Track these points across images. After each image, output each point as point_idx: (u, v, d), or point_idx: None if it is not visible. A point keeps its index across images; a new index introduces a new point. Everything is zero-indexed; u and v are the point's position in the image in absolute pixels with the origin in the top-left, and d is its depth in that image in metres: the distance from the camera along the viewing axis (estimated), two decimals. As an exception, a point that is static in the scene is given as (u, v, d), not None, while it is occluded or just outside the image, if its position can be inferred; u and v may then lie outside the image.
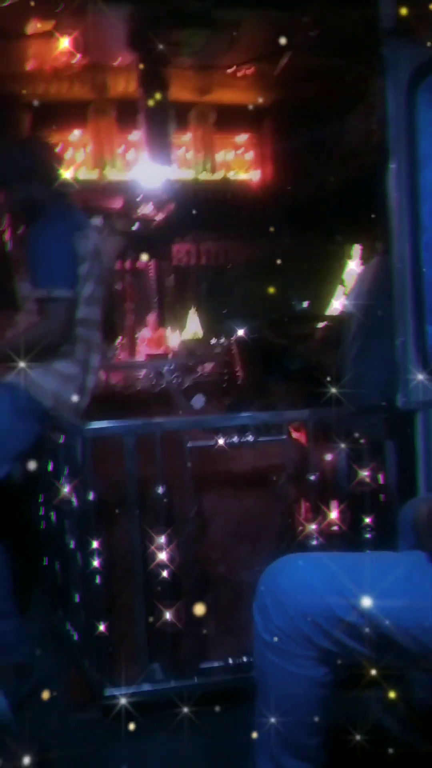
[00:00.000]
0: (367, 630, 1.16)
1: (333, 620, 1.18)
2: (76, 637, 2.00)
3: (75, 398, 2.16)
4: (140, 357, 5.79)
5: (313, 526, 1.87)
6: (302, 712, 1.22)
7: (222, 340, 5.07)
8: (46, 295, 2.04)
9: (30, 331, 2.08)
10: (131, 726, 1.77)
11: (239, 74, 3.88)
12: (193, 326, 6.20)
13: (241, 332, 4.00)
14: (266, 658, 1.24)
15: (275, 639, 1.21)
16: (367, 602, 1.16)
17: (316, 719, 1.23)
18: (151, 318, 6.24)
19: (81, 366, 2.18)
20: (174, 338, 6.04)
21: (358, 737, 1.34)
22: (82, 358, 2.17)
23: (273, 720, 1.26)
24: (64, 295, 2.03)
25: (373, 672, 1.28)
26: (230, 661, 1.86)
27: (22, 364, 1.98)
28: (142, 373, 4.50)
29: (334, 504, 2.06)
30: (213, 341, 5.56)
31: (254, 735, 1.31)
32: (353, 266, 4.47)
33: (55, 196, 2.20)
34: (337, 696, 1.26)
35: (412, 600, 1.15)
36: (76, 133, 4.64)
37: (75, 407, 2.17)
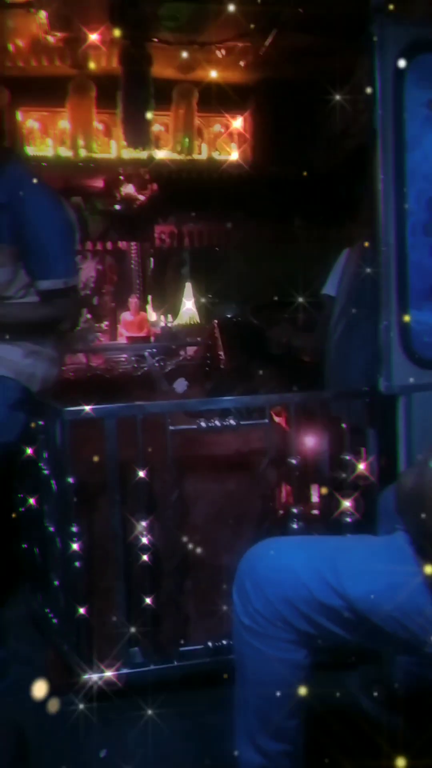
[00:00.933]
0: (346, 613, 1.16)
1: (312, 604, 1.18)
2: (55, 621, 1.99)
3: (55, 375, 2.15)
4: (122, 340, 5.75)
5: (295, 510, 1.86)
6: (281, 694, 1.22)
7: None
8: (62, 287, 1.94)
9: (40, 313, 1.98)
10: (111, 710, 1.77)
11: (224, 51, 3.81)
12: (186, 309, 6.15)
13: (224, 316, 3.97)
14: (245, 641, 1.23)
15: (254, 622, 1.21)
16: (346, 585, 1.16)
17: (295, 701, 1.23)
18: (133, 301, 6.19)
19: (61, 345, 2.16)
20: (158, 321, 6.00)
21: (337, 719, 1.34)
22: (67, 332, 2.16)
23: (252, 702, 1.26)
24: (77, 283, 2.00)
25: (352, 655, 1.29)
26: (210, 644, 1.86)
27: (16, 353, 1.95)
28: (124, 356, 4.47)
29: (315, 488, 2.07)
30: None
31: (234, 717, 1.31)
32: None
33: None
34: (317, 677, 1.27)
35: (392, 583, 1.15)
36: (56, 110, 4.54)
37: (53, 382, 2.15)
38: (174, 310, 6.16)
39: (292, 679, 1.22)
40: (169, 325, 5.63)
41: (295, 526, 1.83)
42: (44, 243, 1.93)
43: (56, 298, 1.97)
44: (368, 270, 1.85)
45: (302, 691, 1.22)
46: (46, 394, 2.11)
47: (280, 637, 1.20)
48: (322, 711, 1.36)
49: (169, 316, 6.10)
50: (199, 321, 5.57)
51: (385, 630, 1.15)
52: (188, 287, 6.18)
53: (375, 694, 1.67)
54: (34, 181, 1.93)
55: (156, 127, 4.48)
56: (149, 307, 6.24)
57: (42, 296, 1.98)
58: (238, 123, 4.76)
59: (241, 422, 1.86)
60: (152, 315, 6.17)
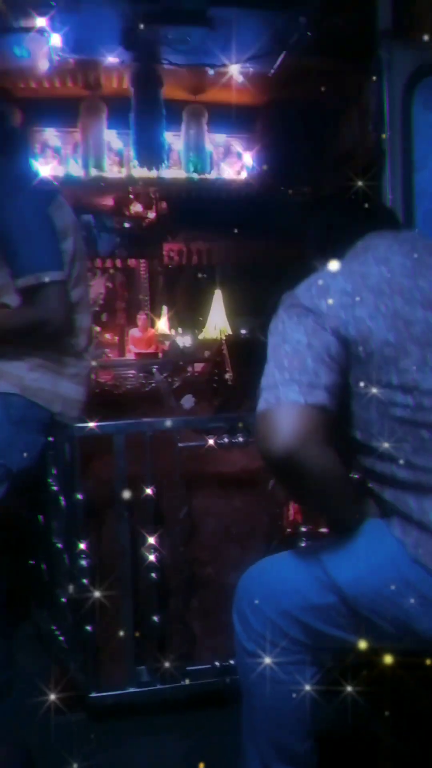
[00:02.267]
0: (341, 608, 1.16)
1: (308, 608, 1.17)
2: (61, 639, 1.98)
3: (81, 394, 1.97)
4: (130, 356, 5.77)
5: (303, 528, 1.86)
6: (292, 719, 1.21)
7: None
8: (35, 282, 1.76)
9: (20, 318, 1.83)
10: (117, 729, 1.76)
11: (234, 74, 3.86)
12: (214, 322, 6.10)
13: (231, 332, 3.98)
14: (250, 668, 1.22)
15: (258, 646, 1.20)
16: (333, 574, 1.16)
17: (306, 723, 1.22)
18: (141, 317, 6.23)
19: (85, 359, 1.99)
20: (173, 335, 6.01)
21: (349, 739, 1.33)
22: (84, 349, 1.98)
23: (263, 729, 1.25)
24: (56, 278, 1.78)
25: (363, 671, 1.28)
26: (217, 663, 1.85)
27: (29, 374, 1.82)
28: (132, 372, 4.48)
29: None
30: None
31: (243, 743, 1.29)
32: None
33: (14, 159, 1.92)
34: (327, 698, 1.25)
35: (374, 560, 1.14)
36: (69, 130, 4.61)
37: (80, 403, 1.98)
38: (194, 324, 6.13)
39: (301, 702, 1.20)
40: (183, 343, 5.60)
41: (303, 545, 1.82)
42: (15, 239, 1.76)
43: (35, 297, 1.78)
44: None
45: (313, 712, 1.21)
46: (74, 409, 1.94)
47: (287, 660, 1.19)
48: (334, 732, 1.35)
49: (181, 329, 6.11)
50: (230, 333, 5.50)
51: (376, 615, 1.14)
52: (218, 298, 6.11)
53: (385, 713, 1.64)
54: (8, 177, 1.83)
55: (166, 146, 4.53)
56: (164, 321, 6.26)
57: (22, 297, 1.81)
58: (247, 143, 4.81)
59: (250, 439, 1.86)
60: (166, 329, 6.19)
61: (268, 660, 1.19)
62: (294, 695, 1.19)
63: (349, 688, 1.30)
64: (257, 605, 1.21)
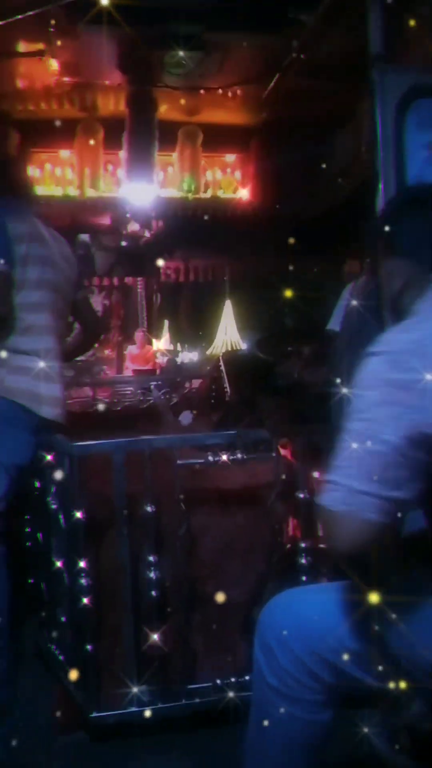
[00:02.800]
0: (377, 656, 1.14)
1: (340, 650, 1.15)
2: (62, 658, 1.97)
3: (56, 390, 2.06)
4: (127, 373, 5.79)
5: (303, 545, 1.86)
6: (304, 756, 1.19)
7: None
8: None
9: None
10: (118, 749, 1.75)
11: (228, 95, 3.93)
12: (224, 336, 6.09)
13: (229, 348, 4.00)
14: (270, 703, 1.19)
15: (282, 683, 1.17)
16: (370, 625, 1.13)
17: (316, 762, 1.21)
18: (139, 334, 6.26)
19: (45, 356, 2.05)
20: (176, 351, 6.03)
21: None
22: (43, 347, 2.05)
23: (273, 764, 1.23)
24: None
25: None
26: (218, 681, 1.84)
27: None
28: (130, 389, 4.49)
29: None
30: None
31: None
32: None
33: None
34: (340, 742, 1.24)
35: (413, 618, 1.13)
36: (64, 152, 4.67)
37: (60, 400, 2.08)
38: (198, 339, 6.12)
39: (317, 740, 1.19)
40: (190, 359, 5.58)
41: (303, 561, 1.83)
42: None
43: None
44: (372, 305, 1.88)
45: (324, 751, 1.20)
46: (55, 405, 2.05)
47: (310, 699, 1.17)
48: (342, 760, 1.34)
49: (186, 345, 6.11)
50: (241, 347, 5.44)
51: (410, 666, 1.12)
52: (228, 310, 6.07)
53: (392, 739, 1.63)
54: None
55: (162, 167, 4.60)
56: (165, 338, 6.28)
57: None
58: (241, 162, 4.87)
59: (248, 456, 1.87)
60: (167, 345, 6.20)
61: (289, 696, 1.17)
62: (310, 733, 1.18)
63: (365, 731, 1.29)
64: (285, 640, 1.18)
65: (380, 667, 1.15)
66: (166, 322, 6.32)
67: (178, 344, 6.15)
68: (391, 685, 1.16)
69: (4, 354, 1.98)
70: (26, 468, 2.02)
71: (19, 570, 2.25)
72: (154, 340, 6.27)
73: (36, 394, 2.02)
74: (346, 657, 1.15)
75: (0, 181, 2.15)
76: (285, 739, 1.20)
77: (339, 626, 1.16)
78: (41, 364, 2.03)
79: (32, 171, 4.67)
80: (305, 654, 1.17)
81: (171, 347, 6.11)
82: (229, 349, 5.25)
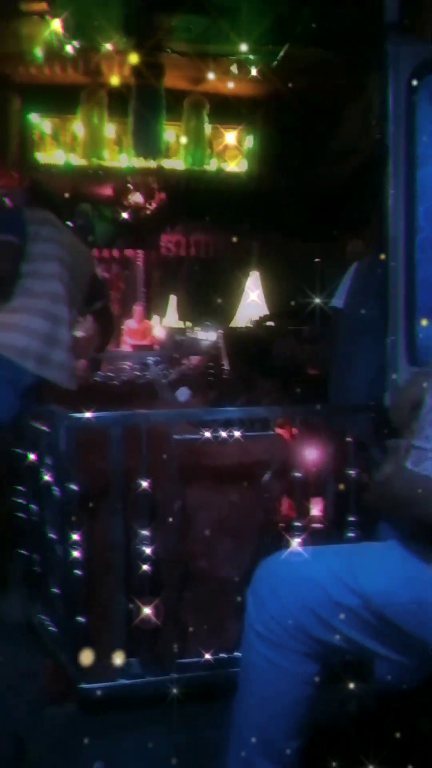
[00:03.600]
0: (363, 612, 1.16)
1: (329, 606, 1.17)
2: (53, 630, 1.97)
3: (60, 355, 2.22)
4: (126, 347, 5.75)
5: (297, 524, 1.85)
6: (285, 710, 1.21)
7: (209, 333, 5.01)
8: None
9: None
10: (107, 720, 1.76)
11: (235, 64, 3.84)
12: (250, 303, 5.90)
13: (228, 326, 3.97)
14: (256, 650, 1.22)
15: (268, 629, 1.20)
16: (363, 582, 1.16)
17: (298, 720, 1.21)
18: (138, 308, 6.21)
19: (48, 319, 2.22)
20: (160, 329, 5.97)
21: (340, 745, 1.32)
22: (45, 310, 2.22)
23: (253, 718, 1.24)
24: (2, 239, 2.20)
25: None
26: (209, 656, 1.85)
27: None
28: (127, 364, 4.47)
29: (318, 501, 2.06)
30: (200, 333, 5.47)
31: (229, 735, 1.29)
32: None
33: None
34: (325, 701, 1.25)
35: (407, 576, 1.15)
36: (67, 118, 4.58)
37: (64, 366, 2.24)
38: (213, 315, 5.92)
39: (299, 694, 1.20)
40: (206, 338, 5.32)
41: (297, 540, 1.82)
42: None
43: None
44: (376, 284, 1.86)
45: (307, 710, 1.21)
46: (58, 371, 2.21)
47: (294, 648, 1.19)
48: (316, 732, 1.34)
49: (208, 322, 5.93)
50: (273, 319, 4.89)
51: (399, 627, 1.14)
52: (255, 278, 5.79)
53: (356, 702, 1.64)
54: None
55: (166, 137, 4.51)
56: (172, 313, 6.19)
57: None
58: (247, 135, 4.79)
59: (246, 433, 1.85)
60: (174, 322, 6.11)
61: (275, 643, 1.19)
62: (293, 685, 1.19)
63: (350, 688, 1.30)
64: (276, 590, 1.21)
65: (367, 625, 1.16)
66: (173, 298, 6.21)
67: (188, 321, 6.04)
68: (377, 643, 1.17)
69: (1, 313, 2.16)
70: (7, 427, 2.12)
71: (10, 540, 2.26)
72: (157, 317, 6.19)
73: (35, 353, 2.15)
74: (334, 611, 1.17)
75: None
76: (267, 688, 1.22)
77: (330, 581, 1.19)
78: (44, 325, 2.18)
79: (33, 137, 4.59)
80: (293, 604, 1.19)
81: (180, 324, 6.02)
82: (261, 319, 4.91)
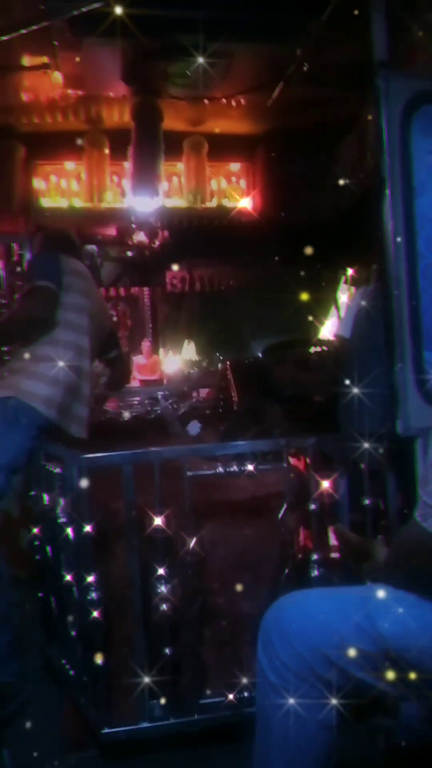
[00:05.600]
0: (379, 657, 1.13)
1: (344, 651, 1.15)
2: (71, 673, 1.95)
3: (80, 409, 2.29)
4: (135, 383, 5.78)
5: (315, 556, 1.84)
6: (308, 759, 1.17)
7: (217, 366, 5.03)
8: (30, 286, 2.29)
9: (13, 313, 2.38)
10: (130, 765, 1.72)
11: (233, 104, 3.94)
12: (187, 353, 6.08)
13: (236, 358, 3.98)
14: (271, 700, 1.19)
15: (281, 679, 1.17)
16: (379, 625, 1.14)
17: (320, 765, 1.18)
18: (146, 344, 6.26)
19: (72, 371, 2.27)
20: (169, 364, 5.99)
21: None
22: (72, 363, 2.28)
23: (274, 764, 1.21)
24: (44, 284, 2.27)
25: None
26: (231, 696, 1.81)
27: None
28: (137, 399, 4.48)
29: (332, 531, 2.04)
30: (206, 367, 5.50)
31: None
32: (345, 292, 4.49)
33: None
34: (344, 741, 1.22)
35: (426, 618, 1.13)
36: (70, 164, 4.69)
37: (82, 420, 2.29)
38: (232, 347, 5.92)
39: (321, 742, 1.17)
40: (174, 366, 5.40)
41: (315, 572, 1.80)
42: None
43: (29, 294, 2.30)
44: (380, 313, 1.87)
45: (328, 755, 1.18)
46: (74, 422, 2.27)
47: (310, 696, 1.16)
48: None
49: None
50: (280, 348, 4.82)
51: (419, 673, 1.12)
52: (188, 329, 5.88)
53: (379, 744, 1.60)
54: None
55: (167, 177, 4.60)
56: (190, 347, 6.21)
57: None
58: (247, 171, 4.88)
59: (259, 467, 1.85)
60: (193, 355, 6.11)
61: (291, 696, 1.16)
62: (313, 733, 1.16)
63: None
64: (288, 638, 1.18)
65: (384, 669, 1.14)
66: (186, 335, 6.25)
67: (202, 355, 6.05)
68: (393, 687, 1.15)
69: (28, 358, 2.24)
70: (23, 471, 2.16)
71: (27, 582, 2.24)
72: (168, 351, 6.19)
73: (59, 404, 2.21)
74: (349, 656, 1.14)
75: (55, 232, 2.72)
76: (286, 739, 1.19)
77: (344, 626, 1.16)
78: (69, 377, 2.25)
79: (38, 183, 4.69)
80: (308, 652, 1.16)
81: (197, 358, 6.02)
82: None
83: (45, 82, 3.72)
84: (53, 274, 2.31)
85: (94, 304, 2.48)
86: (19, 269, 4.65)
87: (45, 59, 3.44)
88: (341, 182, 3.90)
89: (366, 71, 1.87)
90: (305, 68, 3.04)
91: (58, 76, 3.63)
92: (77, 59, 3.33)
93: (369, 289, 2.45)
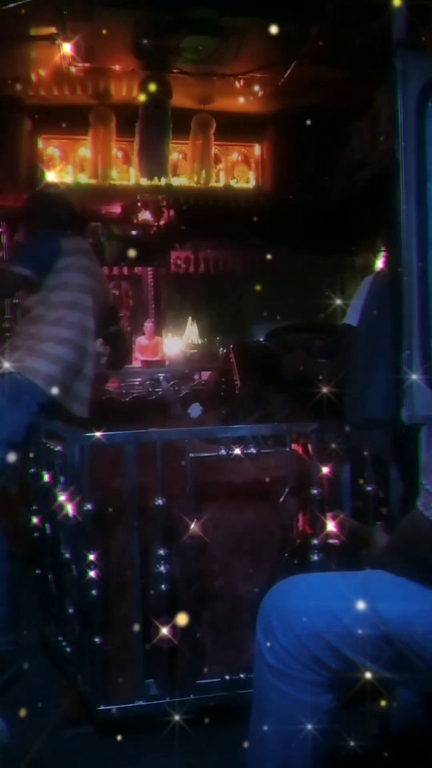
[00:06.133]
0: (380, 641, 1.14)
1: (345, 635, 1.15)
2: (68, 651, 1.96)
3: (82, 389, 2.29)
4: (137, 363, 5.76)
5: (315, 541, 1.83)
6: (304, 741, 1.18)
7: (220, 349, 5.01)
8: (2, 267, 2.35)
9: None
10: (125, 743, 1.73)
11: (243, 83, 3.87)
12: (189, 334, 6.07)
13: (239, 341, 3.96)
14: (269, 682, 1.19)
15: (280, 661, 1.17)
16: (381, 609, 1.14)
17: (317, 749, 1.19)
18: (148, 325, 6.23)
19: (76, 350, 2.27)
20: (171, 346, 5.96)
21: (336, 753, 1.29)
22: (76, 342, 2.28)
23: (271, 748, 1.22)
24: (16, 271, 2.27)
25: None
26: (227, 677, 1.82)
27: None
28: (138, 380, 4.46)
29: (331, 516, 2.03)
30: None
31: (247, 761, 1.26)
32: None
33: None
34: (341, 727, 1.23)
35: (427, 603, 1.13)
36: (76, 138, 4.63)
37: (84, 399, 2.29)
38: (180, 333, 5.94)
39: (316, 724, 1.18)
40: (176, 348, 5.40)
41: (315, 557, 1.80)
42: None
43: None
44: (389, 299, 1.85)
45: (324, 738, 1.18)
46: (76, 401, 2.28)
47: (308, 679, 1.17)
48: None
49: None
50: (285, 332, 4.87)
51: (418, 657, 1.12)
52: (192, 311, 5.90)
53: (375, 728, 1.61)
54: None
55: (174, 156, 4.54)
56: (193, 329, 6.16)
57: None
58: (255, 151, 4.81)
59: (261, 450, 1.84)
60: (195, 338, 6.07)
61: (287, 674, 1.16)
62: (309, 715, 1.17)
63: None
64: (287, 621, 1.18)
65: (383, 654, 1.14)
66: (190, 317, 6.20)
67: (205, 338, 6.01)
68: (391, 672, 1.15)
69: (32, 336, 2.24)
70: (22, 446, 2.16)
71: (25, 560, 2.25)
72: (172, 334, 6.15)
73: (60, 381, 2.20)
74: (348, 640, 1.15)
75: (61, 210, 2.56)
76: (283, 721, 1.19)
77: (344, 610, 1.16)
78: (72, 355, 2.25)
79: (43, 157, 4.64)
80: (307, 635, 1.17)
81: (201, 341, 5.99)
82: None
83: (53, 53, 3.66)
84: (41, 260, 2.28)
85: (98, 283, 2.45)
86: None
87: (53, 29, 3.37)
88: (352, 165, 3.85)
89: (382, 52, 1.82)
90: (320, 45, 2.97)
91: (66, 48, 3.56)
92: (86, 30, 3.26)
93: (378, 276, 2.42)
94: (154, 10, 2.56)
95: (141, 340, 6.25)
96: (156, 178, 4.36)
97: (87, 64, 3.82)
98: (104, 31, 3.23)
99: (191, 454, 1.78)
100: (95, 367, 2.41)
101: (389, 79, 1.81)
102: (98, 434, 1.79)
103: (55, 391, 2.18)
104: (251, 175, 4.81)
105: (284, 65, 3.53)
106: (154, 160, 4.20)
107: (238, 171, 4.80)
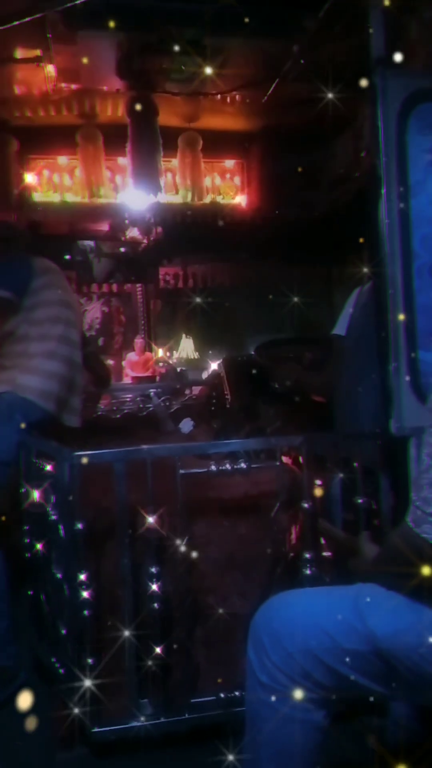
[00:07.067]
0: (371, 657, 1.13)
1: (336, 651, 1.15)
2: (61, 671, 1.93)
3: (75, 400, 2.31)
4: (127, 380, 5.76)
5: (307, 555, 1.83)
6: (297, 757, 1.17)
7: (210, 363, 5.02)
8: None
9: None
10: (120, 764, 1.71)
11: (228, 101, 3.92)
12: (185, 348, 6.09)
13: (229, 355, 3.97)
14: (261, 700, 1.18)
15: (272, 679, 1.17)
16: (371, 624, 1.14)
17: (310, 765, 1.18)
18: (138, 341, 6.24)
19: (66, 363, 2.29)
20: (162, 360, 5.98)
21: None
22: (64, 355, 2.29)
23: (264, 765, 1.21)
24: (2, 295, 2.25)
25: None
26: (222, 695, 1.81)
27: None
28: (129, 396, 4.46)
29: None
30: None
31: None
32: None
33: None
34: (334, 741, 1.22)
35: (417, 618, 1.12)
36: (64, 158, 4.67)
37: (78, 410, 2.32)
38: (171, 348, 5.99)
39: (309, 741, 1.17)
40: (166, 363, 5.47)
41: (308, 571, 1.80)
42: None
43: None
44: (375, 312, 1.86)
45: (318, 755, 1.17)
46: (70, 413, 2.30)
47: (300, 698, 1.16)
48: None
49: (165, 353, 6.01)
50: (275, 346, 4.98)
51: (409, 671, 1.12)
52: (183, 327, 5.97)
53: (366, 744, 1.60)
54: None
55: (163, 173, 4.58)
56: (188, 344, 6.17)
57: None
58: (241, 167, 4.86)
59: (252, 465, 1.84)
60: (190, 353, 6.09)
61: (280, 693, 1.16)
62: (302, 733, 1.16)
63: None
64: (278, 638, 1.17)
65: (374, 668, 1.13)
66: (183, 333, 6.23)
67: (198, 353, 6.04)
68: (383, 686, 1.15)
69: (22, 354, 2.25)
70: (13, 465, 2.15)
71: (17, 580, 2.23)
72: (163, 349, 6.17)
73: (56, 396, 2.23)
74: (339, 656, 1.14)
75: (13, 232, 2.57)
76: (276, 739, 1.19)
77: (335, 625, 1.16)
78: (63, 369, 2.27)
79: (30, 177, 4.67)
80: (298, 652, 1.16)
81: (195, 356, 6.00)
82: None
83: (38, 75, 3.70)
84: (13, 280, 2.27)
85: (72, 299, 2.49)
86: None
87: (38, 52, 3.42)
88: (335, 181, 3.89)
89: (363, 69, 1.85)
90: (301, 63, 3.02)
91: (51, 69, 3.61)
92: (71, 52, 3.30)
93: (365, 288, 2.44)
94: (137, 31, 2.58)
95: (131, 356, 6.26)
96: (150, 195, 4.40)
97: (72, 85, 3.86)
98: (87, 55, 3.27)
99: (182, 470, 1.78)
100: (83, 378, 2.43)
101: (370, 95, 1.84)
102: (88, 453, 1.78)
103: (51, 406, 2.20)
104: (237, 190, 4.86)
105: (267, 83, 3.58)
106: (147, 178, 4.24)
107: (224, 187, 4.85)
